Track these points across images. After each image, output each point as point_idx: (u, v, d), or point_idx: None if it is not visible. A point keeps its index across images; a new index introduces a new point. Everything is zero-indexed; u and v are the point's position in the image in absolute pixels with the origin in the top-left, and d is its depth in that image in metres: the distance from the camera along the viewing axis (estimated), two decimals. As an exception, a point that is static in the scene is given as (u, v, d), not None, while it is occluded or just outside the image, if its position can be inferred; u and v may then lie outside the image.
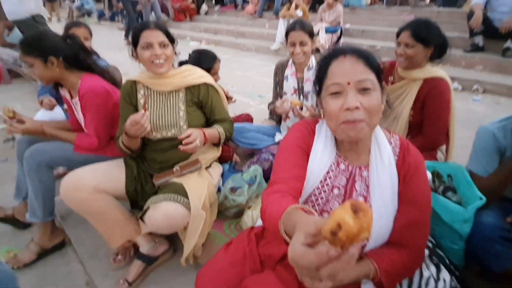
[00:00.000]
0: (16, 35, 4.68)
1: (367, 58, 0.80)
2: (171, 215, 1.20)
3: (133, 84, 1.46)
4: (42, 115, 2.05)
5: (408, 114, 1.57)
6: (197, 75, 1.46)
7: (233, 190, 1.47)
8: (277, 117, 2.08)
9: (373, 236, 0.81)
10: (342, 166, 0.90)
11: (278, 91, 1.99)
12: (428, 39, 1.45)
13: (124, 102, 1.45)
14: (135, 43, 1.36)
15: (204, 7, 9.01)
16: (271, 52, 5.59)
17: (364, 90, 0.77)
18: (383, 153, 0.85)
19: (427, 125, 1.54)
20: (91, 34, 2.26)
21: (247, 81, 4.00)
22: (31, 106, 3.71)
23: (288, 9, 5.47)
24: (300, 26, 1.72)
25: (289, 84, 1.87)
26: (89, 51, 1.66)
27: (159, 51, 1.32)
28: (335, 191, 0.88)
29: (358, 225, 0.43)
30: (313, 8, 6.60)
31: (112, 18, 10.22)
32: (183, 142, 1.28)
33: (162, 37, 1.33)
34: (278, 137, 1.98)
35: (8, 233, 1.84)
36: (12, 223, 1.82)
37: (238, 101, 2.75)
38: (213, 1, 9.47)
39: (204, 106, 1.47)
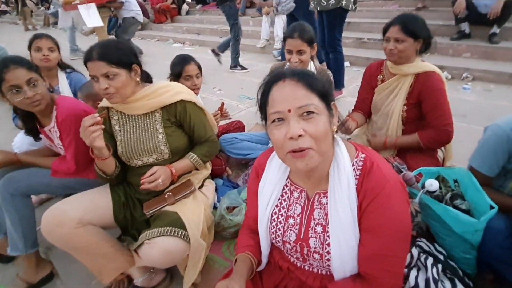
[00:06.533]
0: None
1: (308, 80, 0.74)
2: (169, 251, 1.11)
3: (106, 110, 1.35)
4: (20, 139, 1.92)
5: (401, 110, 1.57)
6: (172, 92, 1.32)
7: (229, 209, 1.39)
8: None
9: (336, 267, 0.79)
10: (295, 194, 0.87)
11: None
12: (417, 32, 1.46)
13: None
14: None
15: (185, 6, 8.80)
16: (257, 50, 5.50)
17: (307, 115, 0.72)
18: (342, 177, 0.78)
19: (433, 119, 1.51)
20: (57, 45, 2.08)
21: (235, 82, 3.90)
22: (8, 123, 3.53)
23: (271, 5, 5.36)
24: (299, 34, 1.66)
25: None
26: None
27: (105, 85, 1.18)
28: (290, 220, 0.86)
29: None
30: (296, 2, 6.51)
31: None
32: (141, 181, 1.23)
33: (106, 68, 1.16)
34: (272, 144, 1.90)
35: (-10, 269, 1.72)
36: (-7, 258, 1.71)
37: (227, 105, 2.65)
38: (193, 0, 9.24)
39: (182, 124, 1.37)
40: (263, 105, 0.79)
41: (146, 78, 1.41)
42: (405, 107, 1.55)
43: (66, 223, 1.18)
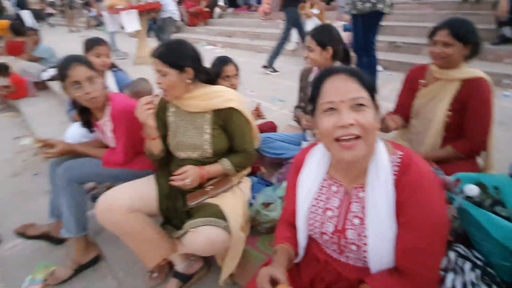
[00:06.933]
0: (42, 48, 4.89)
1: (360, 76, 0.81)
2: (212, 240, 1.19)
3: (160, 96, 1.48)
4: (73, 131, 2.11)
5: (444, 115, 1.52)
6: (224, 98, 1.38)
7: (265, 204, 1.45)
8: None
9: (372, 259, 0.82)
10: (333, 188, 0.92)
11: (302, 96, 2.03)
12: (467, 37, 1.41)
13: (156, 115, 1.48)
14: None
15: (217, 10, 9.05)
16: (288, 53, 5.52)
17: (358, 107, 0.77)
18: (381, 172, 0.82)
19: (471, 128, 1.48)
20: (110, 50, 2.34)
21: (267, 84, 3.97)
22: (57, 118, 3.85)
23: (303, 8, 5.39)
24: (312, 32, 1.78)
25: None
26: None
27: (159, 80, 1.32)
28: (328, 213, 0.90)
29: None
30: (328, 5, 6.49)
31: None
32: (172, 177, 1.33)
33: (160, 66, 1.30)
34: (305, 145, 1.95)
35: (43, 249, 1.89)
36: (46, 239, 1.88)
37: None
38: (226, 4, 9.46)
39: (226, 130, 1.42)
40: (314, 97, 0.85)
41: (207, 78, 1.47)
42: (449, 112, 1.50)
43: (117, 209, 1.29)
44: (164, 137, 1.47)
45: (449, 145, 1.52)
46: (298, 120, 2.08)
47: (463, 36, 1.39)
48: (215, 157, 1.42)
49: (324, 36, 1.74)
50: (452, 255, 1.05)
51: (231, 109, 1.37)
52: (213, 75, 1.92)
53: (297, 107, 2.09)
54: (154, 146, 1.42)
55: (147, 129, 1.35)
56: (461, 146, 1.50)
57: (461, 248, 1.10)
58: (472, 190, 1.08)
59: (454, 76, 1.47)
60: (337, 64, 1.81)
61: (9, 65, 4.56)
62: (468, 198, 1.10)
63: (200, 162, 1.42)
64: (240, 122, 1.40)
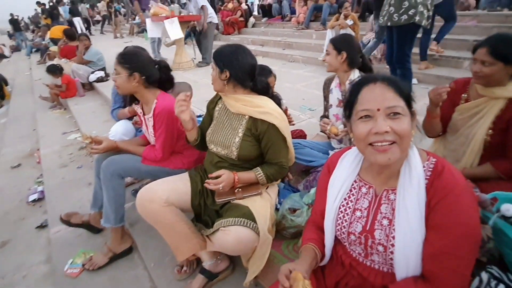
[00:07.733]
0: (92, 52, 5.31)
1: (397, 85, 0.82)
2: (241, 240, 1.24)
3: (218, 96, 1.59)
4: (115, 129, 2.28)
5: (484, 133, 1.45)
6: (261, 110, 1.39)
7: (291, 210, 1.48)
8: None
9: (398, 261, 0.82)
10: (363, 190, 0.94)
11: (326, 105, 2.08)
12: (510, 56, 1.32)
13: (207, 106, 1.63)
14: None
15: (251, 19, 9.29)
16: (319, 63, 5.53)
17: (394, 115, 0.80)
18: (413, 176, 0.83)
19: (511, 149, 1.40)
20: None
21: (297, 93, 4.00)
22: (101, 116, 4.15)
23: (337, 19, 5.40)
24: (333, 38, 1.87)
25: (334, 96, 1.93)
26: (171, 75, 1.83)
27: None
28: (357, 213, 0.93)
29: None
30: (362, 17, 6.43)
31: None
32: (207, 180, 1.39)
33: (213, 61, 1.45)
34: (332, 154, 1.96)
35: (83, 236, 2.05)
36: (87, 228, 2.03)
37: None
38: (260, 14, 9.71)
39: (260, 141, 1.44)
40: (350, 103, 0.87)
41: (253, 87, 1.48)
42: (490, 131, 1.43)
43: (156, 201, 1.38)
44: (207, 127, 1.61)
45: (489, 163, 1.46)
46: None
47: (505, 56, 1.31)
48: (239, 162, 1.46)
49: (341, 41, 1.81)
50: (485, 276, 1.02)
51: (267, 123, 1.38)
52: (262, 88, 1.97)
53: (323, 116, 2.11)
54: (189, 135, 1.58)
55: (182, 121, 1.49)
56: (501, 165, 1.42)
57: (495, 270, 1.07)
58: (509, 210, 1.05)
59: (500, 95, 1.39)
60: (356, 72, 1.83)
61: (62, 67, 5.01)
62: (504, 218, 1.07)
63: (225, 162, 1.48)
64: (276, 137, 1.41)
